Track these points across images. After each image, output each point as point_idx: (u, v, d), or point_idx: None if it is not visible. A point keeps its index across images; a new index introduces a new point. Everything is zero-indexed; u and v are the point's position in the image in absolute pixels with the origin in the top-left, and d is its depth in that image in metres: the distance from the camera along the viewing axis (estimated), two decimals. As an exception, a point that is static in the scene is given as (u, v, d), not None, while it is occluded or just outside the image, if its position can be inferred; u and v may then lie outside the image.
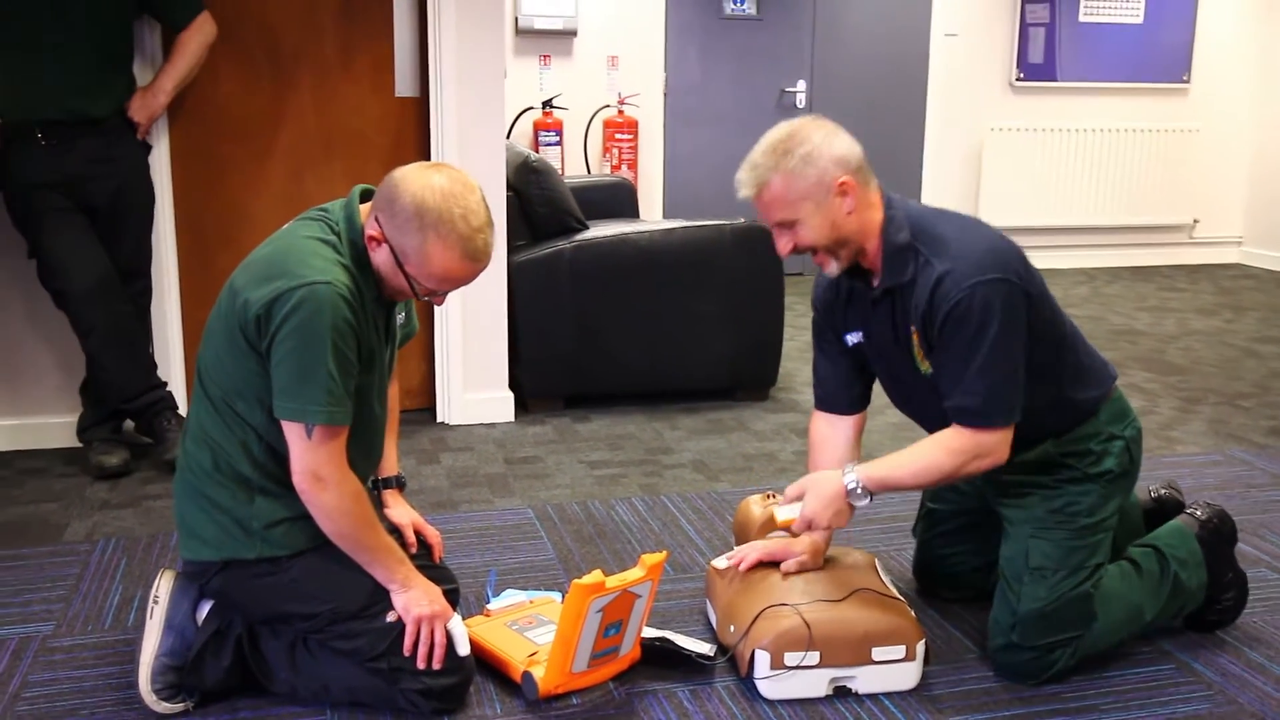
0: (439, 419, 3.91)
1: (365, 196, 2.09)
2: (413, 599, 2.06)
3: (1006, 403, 2.11)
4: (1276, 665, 2.33)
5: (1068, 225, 7.15)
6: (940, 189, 6.97)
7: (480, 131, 3.74)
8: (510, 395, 3.95)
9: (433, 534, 2.42)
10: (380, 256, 2.04)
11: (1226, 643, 2.42)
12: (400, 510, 2.41)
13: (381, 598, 2.07)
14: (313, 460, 1.96)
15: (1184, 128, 7.19)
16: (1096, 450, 2.25)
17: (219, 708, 2.11)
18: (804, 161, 2.07)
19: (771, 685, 2.16)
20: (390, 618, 2.07)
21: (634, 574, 2.12)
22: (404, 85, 3.78)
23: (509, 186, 3.97)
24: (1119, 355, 4.97)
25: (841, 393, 2.39)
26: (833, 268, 2.18)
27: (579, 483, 3.35)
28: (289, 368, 1.93)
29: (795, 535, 2.31)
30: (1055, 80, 6.97)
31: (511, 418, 3.94)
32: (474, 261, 2.01)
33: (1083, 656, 2.25)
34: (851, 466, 2.21)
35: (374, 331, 2.10)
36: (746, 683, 2.20)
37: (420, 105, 3.78)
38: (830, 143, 2.10)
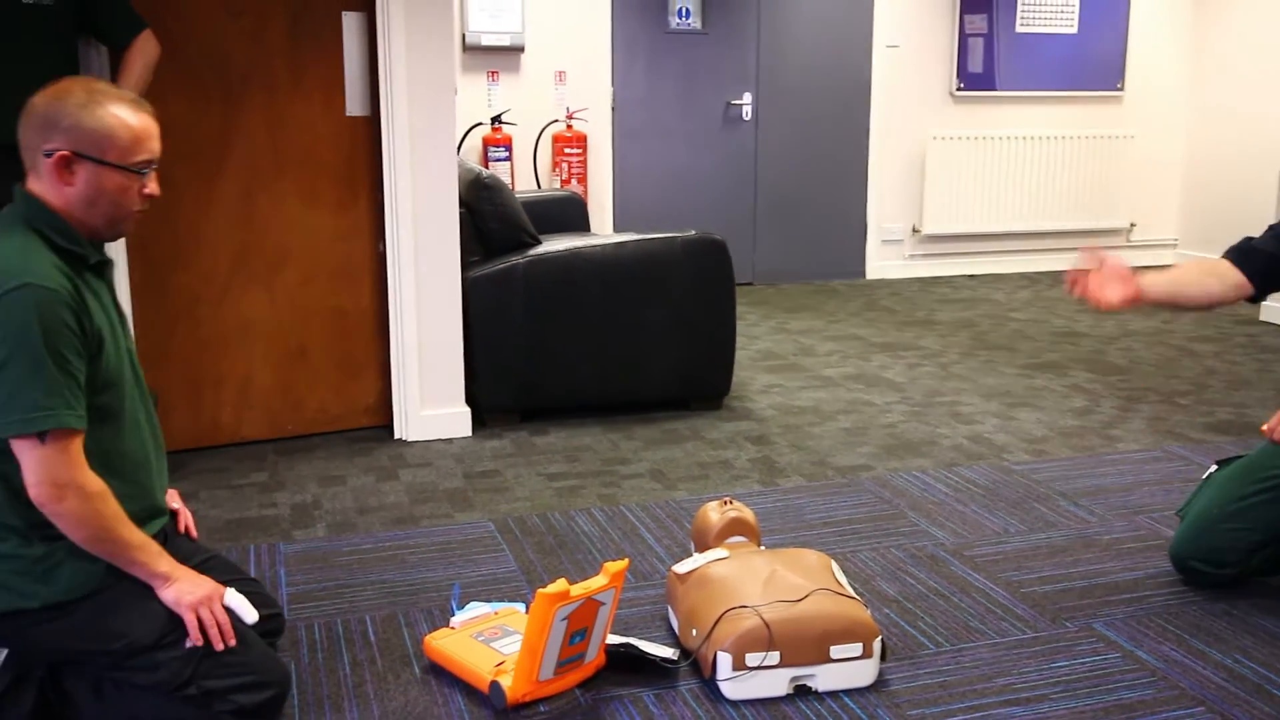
0: (397, 435, 3.93)
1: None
2: (181, 590, 2.00)
3: None
4: (1215, 651, 2.42)
5: (1009, 231, 7.30)
6: (885, 196, 7.10)
7: (432, 149, 3.78)
8: (467, 410, 3.98)
9: (185, 511, 2.35)
10: (79, 182, 1.94)
11: (1169, 631, 2.51)
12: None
13: (181, 625, 2.00)
14: (50, 469, 1.86)
15: (1119, 134, 7.37)
16: None
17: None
18: None
19: (734, 686, 2.21)
20: (188, 644, 2.00)
21: (597, 582, 2.17)
22: (355, 104, 3.80)
23: (461, 203, 4.01)
24: (1062, 357, 5.10)
25: (1258, 263, 2.58)
26: None
27: (538, 495, 3.39)
28: (5, 381, 1.84)
29: None
30: (994, 89, 7.12)
31: (469, 432, 3.97)
32: (141, 109, 1.99)
33: None
34: None
35: (98, 306, 2.00)
36: (710, 684, 2.26)
37: (371, 124, 3.81)
38: None
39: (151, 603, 2.01)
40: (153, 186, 2.03)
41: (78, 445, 1.91)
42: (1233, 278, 2.60)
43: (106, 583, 1.98)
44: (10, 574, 1.95)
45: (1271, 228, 2.64)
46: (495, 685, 2.17)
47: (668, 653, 2.34)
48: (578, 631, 2.17)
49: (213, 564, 2.24)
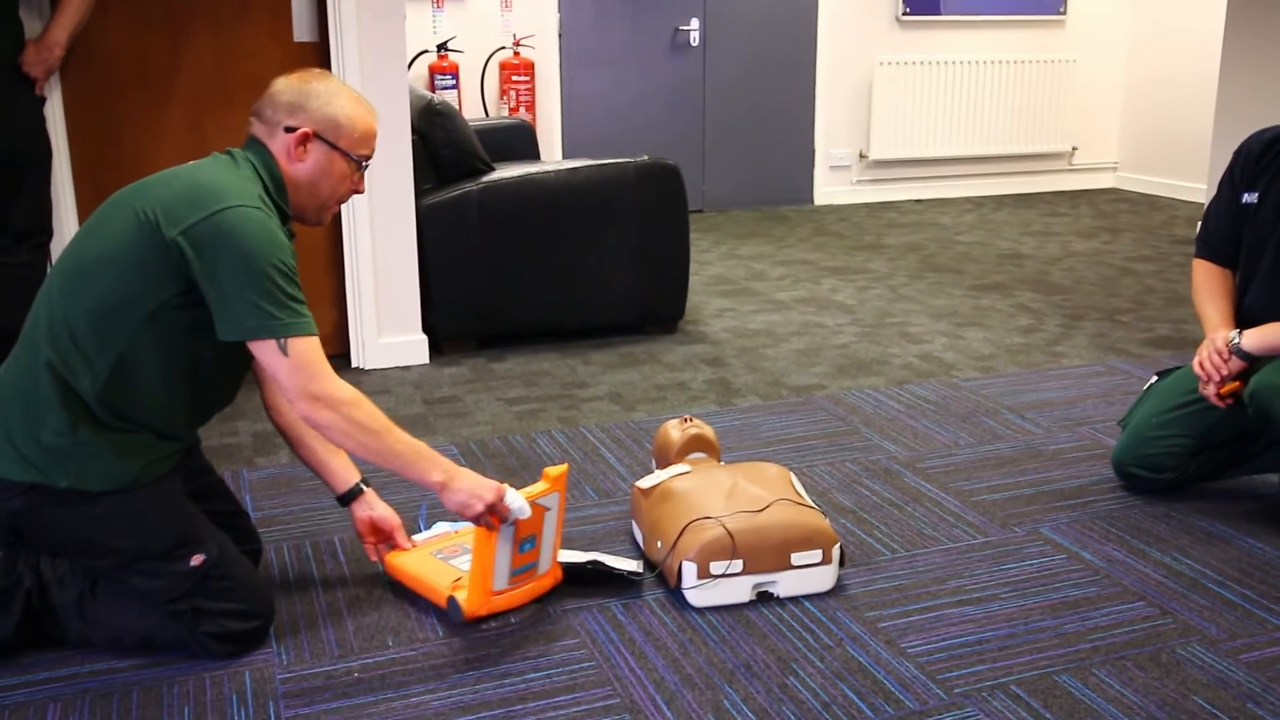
0: (354, 364, 3.94)
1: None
2: (465, 504, 2.08)
3: None
4: (1155, 550, 2.54)
5: (954, 155, 7.38)
6: (833, 121, 7.13)
7: (382, 75, 3.75)
8: (424, 338, 3.99)
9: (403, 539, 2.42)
10: (310, 160, 2.10)
11: (1111, 533, 2.62)
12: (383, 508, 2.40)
13: (190, 542, 2.05)
14: (301, 380, 1.94)
15: (1061, 59, 7.45)
16: None
17: (7, 666, 2.09)
18: None
19: (699, 594, 2.29)
20: (194, 561, 2.04)
21: (539, 487, 2.21)
22: (302, 30, 3.75)
23: (413, 130, 3.99)
24: (1007, 278, 5.20)
25: (1225, 245, 2.78)
26: None
27: (499, 419, 3.43)
28: (236, 288, 1.91)
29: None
30: (939, 14, 7.15)
31: (426, 360, 3.99)
32: (372, 111, 2.17)
33: None
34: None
35: None
36: (675, 594, 2.33)
37: (320, 50, 3.77)
38: None
39: (172, 513, 2.05)
40: (363, 184, 2.20)
41: (319, 350, 1.98)
42: (1221, 276, 2.81)
43: (138, 483, 2.00)
44: (47, 448, 1.94)
45: (1209, 211, 2.85)
46: (452, 600, 2.22)
47: (633, 565, 2.41)
48: (526, 539, 2.21)
49: (216, 489, 2.32)
